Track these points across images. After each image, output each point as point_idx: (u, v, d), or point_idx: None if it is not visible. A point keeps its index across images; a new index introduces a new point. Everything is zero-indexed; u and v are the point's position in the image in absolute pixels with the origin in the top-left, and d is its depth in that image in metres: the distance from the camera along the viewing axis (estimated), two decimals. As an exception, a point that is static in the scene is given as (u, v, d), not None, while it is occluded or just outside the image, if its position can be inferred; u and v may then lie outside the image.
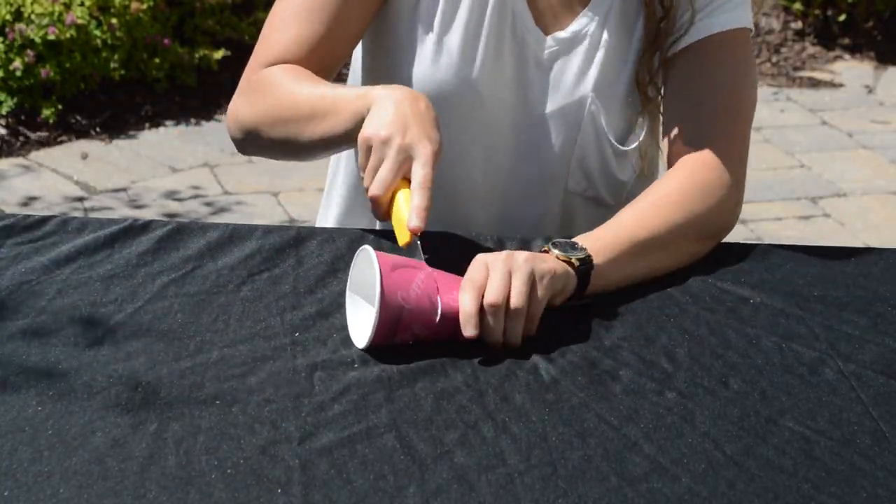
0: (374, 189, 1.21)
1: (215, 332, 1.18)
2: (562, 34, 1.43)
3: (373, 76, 1.49)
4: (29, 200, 3.48)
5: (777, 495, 1.00)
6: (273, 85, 1.37)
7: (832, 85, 4.59)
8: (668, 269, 1.33)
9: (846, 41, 4.89)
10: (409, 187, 1.21)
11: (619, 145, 1.46)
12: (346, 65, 1.52)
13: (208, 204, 3.53)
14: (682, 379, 1.15)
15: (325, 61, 1.39)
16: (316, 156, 1.40)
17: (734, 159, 1.41)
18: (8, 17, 3.75)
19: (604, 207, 1.49)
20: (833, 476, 1.03)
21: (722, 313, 1.26)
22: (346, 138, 1.29)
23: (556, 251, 1.24)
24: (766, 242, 1.48)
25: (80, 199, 3.50)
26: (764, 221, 3.54)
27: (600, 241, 1.28)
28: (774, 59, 4.77)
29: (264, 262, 1.31)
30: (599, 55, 1.43)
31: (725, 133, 1.41)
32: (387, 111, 1.23)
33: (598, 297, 1.26)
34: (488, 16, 1.41)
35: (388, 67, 1.46)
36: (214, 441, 1.02)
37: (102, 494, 0.96)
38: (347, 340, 1.17)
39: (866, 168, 3.93)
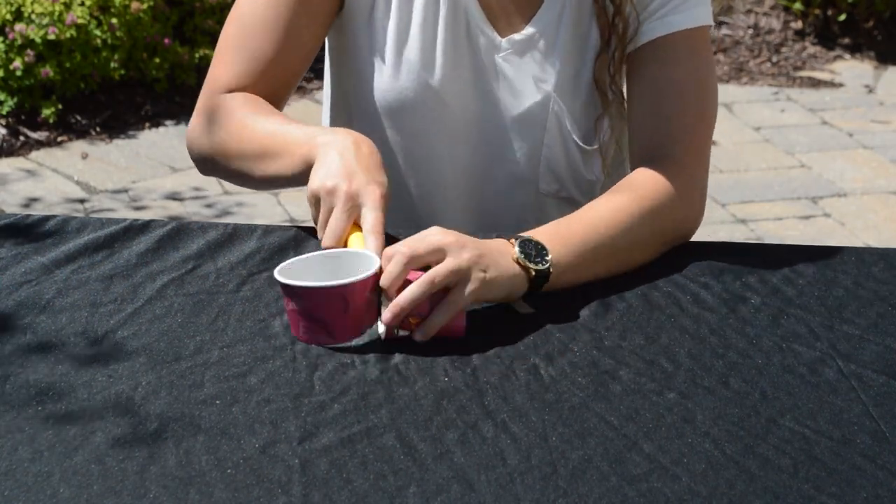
0: (328, 241, 1.21)
1: (215, 331, 1.18)
2: (517, 36, 1.42)
3: (339, 89, 1.50)
4: (30, 201, 3.48)
5: (777, 495, 1.00)
6: (228, 117, 1.38)
7: (832, 85, 4.58)
8: (617, 274, 1.31)
9: (846, 41, 4.88)
10: (360, 231, 1.21)
11: (585, 144, 1.45)
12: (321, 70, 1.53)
13: (208, 204, 3.53)
14: (682, 379, 1.15)
15: (279, 80, 1.41)
16: (270, 189, 1.41)
17: (697, 164, 1.41)
18: (8, 16, 3.75)
19: (577, 206, 1.49)
20: (833, 476, 1.02)
21: (722, 313, 1.26)
22: (294, 181, 1.31)
23: (519, 253, 1.21)
24: (767, 242, 1.48)
25: (81, 201, 3.50)
26: (764, 221, 3.53)
27: (562, 247, 1.25)
28: (774, 58, 4.77)
29: (264, 261, 1.31)
30: (557, 55, 1.42)
31: (688, 135, 1.40)
32: (331, 161, 1.24)
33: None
34: (442, 20, 1.40)
35: (351, 80, 1.46)
36: (214, 441, 1.02)
37: (102, 494, 0.96)
38: (347, 340, 1.17)
39: (866, 168, 3.93)
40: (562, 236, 1.27)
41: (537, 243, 1.24)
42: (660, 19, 1.40)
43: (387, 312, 1.14)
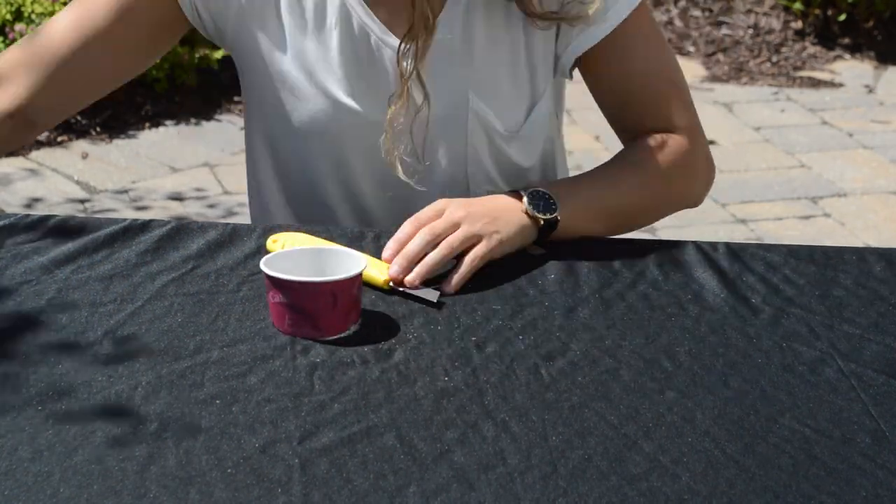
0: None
1: (215, 331, 1.18)
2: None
3: (253, 117, 1.48)
4: (31, 201, 3.48)
5: (777, 494, 1.00)
6: None
7: (832, 85, 4.58)
8: (621, 232, 1.39)
9: (846, 41, 4.88)
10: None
11: (510, 132, 1.43)
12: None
13: (210, 204, 3.53)
14: (682, 378, 1.15)
15: (63, 86, 1.41)
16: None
17: (692, 134, 1.44)
18: (8, 16, 3.75)
19: None
20: (833, 475, 1.02)
21: (722, 312, 1.26)
22: None
23: (528, 205, 1.30)
24: (767, 242, 1.48)
25: (83, 201, 3.50)
26: (764, 221, 3.53)
27: (570, 198, 1.33)
28: (774, 58, 4.77)
29: (264, 261, 1.31)
30: (471, 52, 1.40)
31: (674, 116, 1.43)
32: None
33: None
34: (336, 40, 1.38)
35: (263, 112, 1.45)
36: (214, 440, 1.02)
37: (103, 494, 0.96)
38: (347, 340, 1.17)
39: (866, 168, 3.93)
40: (570, 188, 1.34)
41: (545, 194, 1.32)
42: (602, 21, 1.39)
43: (412, 274, 1.24)
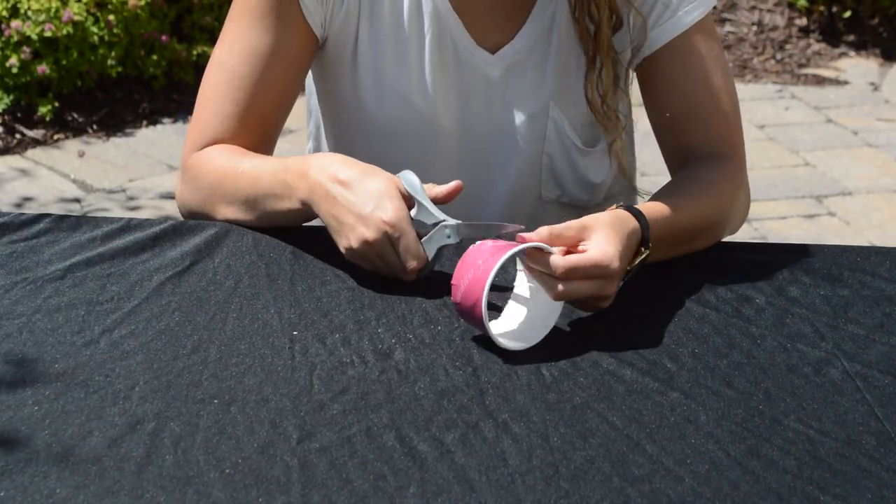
0: (414, 263, 1.21)
1: (213, 330, 1.17)
2: (508, 49, 1.41)
3: (326, 117, 1.48)
4: (24, 200, 3.47)
5: (781, 496, 0.99)
6: (209, 168, 1.36)
7: (837, 82, 4.57)
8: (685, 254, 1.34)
9: (851, 38, 4.87)
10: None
11: (586, 147, 1.45)
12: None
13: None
14: (685, 379, 1.14)
15: (260, 129, 1.39)
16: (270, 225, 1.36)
17: (742, 158, 1.43)
18: (4, 13, 3.74)
19: (578, 209, 1.49)
20: (838, 477, 1.02)
21: (726, 313, 1.25)
22: (298, 216, 1.31)
23: (637, 261, 1.23)
24: (771, 241, 1.47)
25: (77, 200, 3.49)
26: (768, 220, 3.52)
27: (656, 233, 1.25)
28: (779, 56, 4.76)
29: (261, 258, 1.30)
30: (552, 63, 1.41)
31: (731, 133, 1.42)
32: (334, 218, 1.23)
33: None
34: (427, 47, 1.39)
35: (338, 111, 1.45)
36: (213, 440, 1.02)
37: (99, 495, 0.95)
38: (347, 340, 1.16)
39: (871, 166, 3.91)
40: (660, 227, 1.26)
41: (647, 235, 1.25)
42: (671, 19, 1.39)
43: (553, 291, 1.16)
